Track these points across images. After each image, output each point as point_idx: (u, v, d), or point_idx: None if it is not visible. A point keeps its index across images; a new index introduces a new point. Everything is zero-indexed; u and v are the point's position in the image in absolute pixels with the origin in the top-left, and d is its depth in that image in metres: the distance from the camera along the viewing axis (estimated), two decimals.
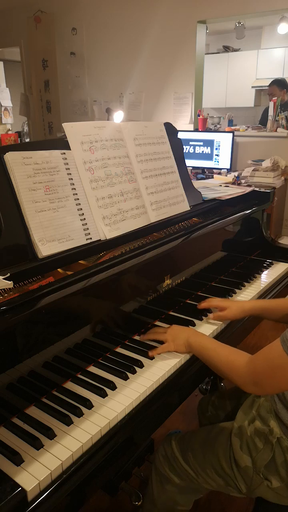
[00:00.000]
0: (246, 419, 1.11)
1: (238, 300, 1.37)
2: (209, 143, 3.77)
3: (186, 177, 1.60)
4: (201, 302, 1.33)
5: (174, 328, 1.18)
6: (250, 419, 1.11)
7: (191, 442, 1.21)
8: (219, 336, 1.26)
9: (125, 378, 1.02)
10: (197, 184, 2.02)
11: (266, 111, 4.76)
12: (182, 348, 1.12)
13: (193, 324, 1.27)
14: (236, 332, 1.32)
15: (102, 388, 0.97)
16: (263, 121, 4.63)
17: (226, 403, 1.41)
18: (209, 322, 1.29)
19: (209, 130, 4.25)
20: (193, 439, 1.22)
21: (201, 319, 1.29)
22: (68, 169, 1.18)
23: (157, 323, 1.30)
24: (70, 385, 1.00)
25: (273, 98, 3.95)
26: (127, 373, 1.03)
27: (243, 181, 3.39)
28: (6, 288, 0.95)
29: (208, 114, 4.29)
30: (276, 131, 3.82)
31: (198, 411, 1.52)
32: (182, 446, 1.22)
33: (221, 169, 3.77)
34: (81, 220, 1.17)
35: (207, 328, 1.26)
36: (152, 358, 1.11)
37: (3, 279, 0.93)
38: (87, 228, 1.18)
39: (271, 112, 3.87)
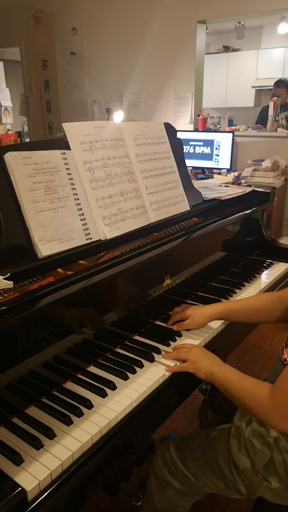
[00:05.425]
0: (244, 421, 1.11)
1: (201, 305, 1.28)
2: (209, 143, 3.77)
3: (186, 177, 1.60)
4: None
5: (199, 349, 1.11)
6: (248, 420, 1.10)
7: (190, 446, 1.20)
8: (219, 336, 1.26)
9: (125, 378, 1.02)
10: (197, 184, 2.02)
11: (263, 111, 4.73)
12: (202, 375, 1.05)
13: None
14: (236, 332, 1.32)
15: (102, 388, 0.97)
16: (260, 121, 4.61)
17: (226, 404, 1.41)
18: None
19: (209, 130, 4.25)
20: (191, 443, 1.21)
21: None
22: (68, 169, 1.18)
23: (157, 323, 1.30)
24: (70, 385, 1.00)
25: (273, 98, 3.93)
26: (127, 373, 1.03)
27: (243, 181, 3.39)
28: (6, 288, 0.95)
29: (208, 114, 4.29)
30: (276, 131, 3.82)
31: (199, 413, 1.51)
32: (181, 450, 1.21)
33: (221, 169, 3.77)
34: (81, 220, 1.17)
35: (207, 328, 1.26)
36: (152, 360, 1.10)
37: (3, 279, 0.93)
38: (87, 228, 1.18)
39: (271, 112, 3.86)
